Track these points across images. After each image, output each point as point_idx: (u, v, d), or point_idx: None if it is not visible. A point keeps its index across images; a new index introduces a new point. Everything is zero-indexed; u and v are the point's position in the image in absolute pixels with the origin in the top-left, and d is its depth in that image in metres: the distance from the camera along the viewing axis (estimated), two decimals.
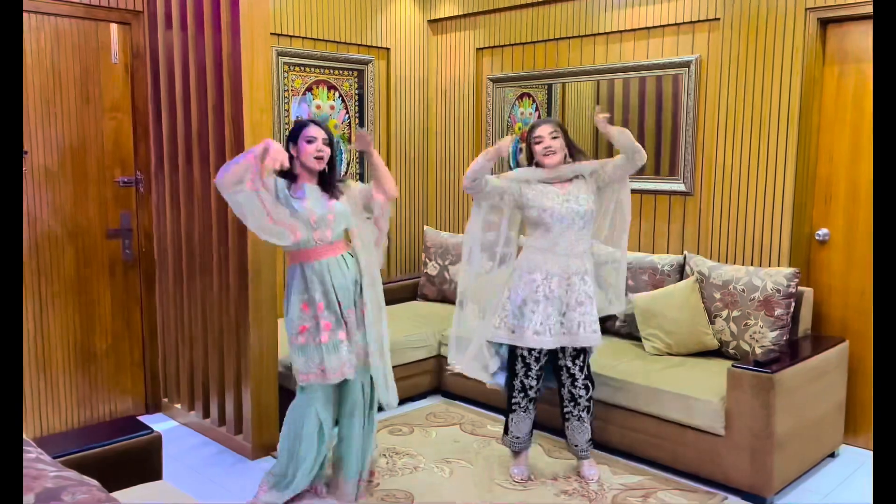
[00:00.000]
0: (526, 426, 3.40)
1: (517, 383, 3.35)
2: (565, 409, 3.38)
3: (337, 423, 3.17)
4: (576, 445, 3.41)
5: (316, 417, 3.03)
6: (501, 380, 3.44)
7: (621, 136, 3.19)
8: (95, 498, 1.39)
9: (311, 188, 2.98)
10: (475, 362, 3.39)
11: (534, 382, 3.32)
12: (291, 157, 2.93)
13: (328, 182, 3.01)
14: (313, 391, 3.02)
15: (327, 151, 2.97)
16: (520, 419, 3.38)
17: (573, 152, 3.29)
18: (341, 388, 3.10)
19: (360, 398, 3.10)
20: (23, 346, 3.78)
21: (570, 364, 3.32)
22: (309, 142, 2.93)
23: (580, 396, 3.33)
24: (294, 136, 2.97)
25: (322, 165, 2.97)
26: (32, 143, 3.77)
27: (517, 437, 3.42)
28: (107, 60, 4.00)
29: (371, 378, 3.11)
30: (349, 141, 5.02)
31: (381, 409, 3.25)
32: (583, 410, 3.34)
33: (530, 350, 3.26)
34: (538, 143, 3.24)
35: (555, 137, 3.23)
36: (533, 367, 3.30)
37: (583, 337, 3.25)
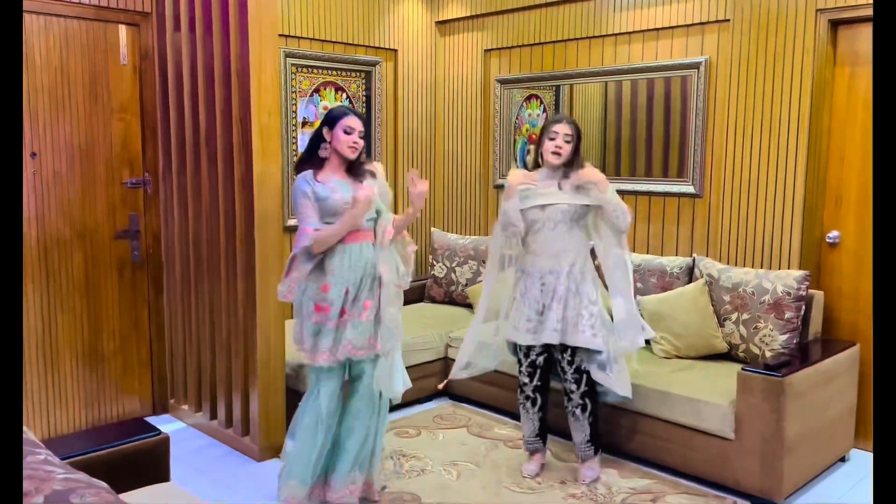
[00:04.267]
0: (530, 427, 3.45)
1: (519, 380, 3.46)
2: (565, 407, 3.42)
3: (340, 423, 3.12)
4: (576, 444, 3.45)
5: (316, 403, 3.00)
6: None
7: (610, 200, 3.19)
8: (104, 500, 1.38)
9: (339, 182, 2.98)
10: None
11: (526, 380, 3.40)
12: (323, 140, 2.97)
13: (356, 169, 3.03)
14: (320, 375, 3.00)
15: (362, 144, 3.00)
16: (525, 419, 3.46)
17: (572, 162, 3.28)
18: (353, 379, 3.08)
19: (368, 391, 3.05)
20: (28, 347, 3.78)
21: (559, 357, 3.35)
22: (347, 132, 2.95)
23: (571, 392, 3.34)
24: (332, 121, 2.97)
25: (355, 155, 3.00)
26: (41, 145, 3.77)
27: (524, 438, 3.50)
28: (115, 62, 4.01)
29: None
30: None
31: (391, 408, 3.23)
32: (576, 407, 3.35)
33: (518, 346, 3.38)
34: (552, 138, 3.26)
35: (567, 142, 3.25)
36: (523, 362, 3.39)
37: (572, 337, 3.23)
